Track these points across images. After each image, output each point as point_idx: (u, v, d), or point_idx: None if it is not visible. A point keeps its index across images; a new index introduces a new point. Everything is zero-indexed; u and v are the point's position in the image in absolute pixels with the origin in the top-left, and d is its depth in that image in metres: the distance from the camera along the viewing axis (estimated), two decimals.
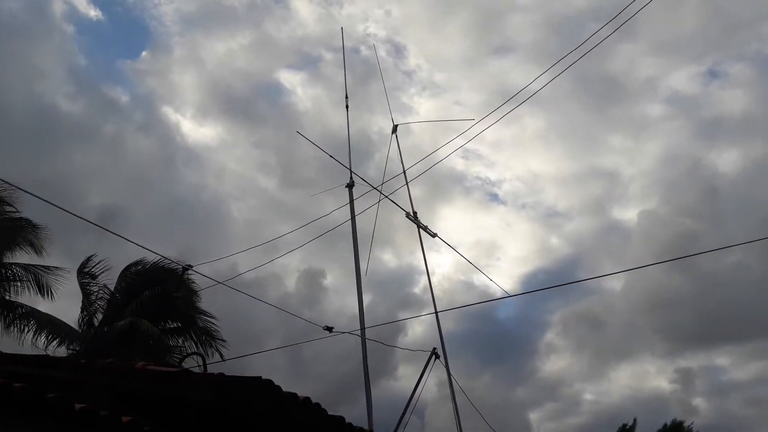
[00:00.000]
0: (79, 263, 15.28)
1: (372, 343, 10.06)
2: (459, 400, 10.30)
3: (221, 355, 15.08)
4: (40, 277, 14.58)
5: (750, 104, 38.62)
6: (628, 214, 42.24)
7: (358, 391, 10.01)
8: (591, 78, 36.35)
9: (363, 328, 10.03)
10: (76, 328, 15.00)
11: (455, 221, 38.72)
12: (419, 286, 31.64)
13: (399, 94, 37.76)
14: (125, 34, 48.38)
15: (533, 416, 35.43)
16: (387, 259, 29.62)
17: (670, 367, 39.18)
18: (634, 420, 27.42)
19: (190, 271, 13.18)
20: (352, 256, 10.87)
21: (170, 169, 35.99)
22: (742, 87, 40.60)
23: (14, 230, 14.55)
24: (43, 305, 14.78)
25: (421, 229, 11.40)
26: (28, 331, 14.10)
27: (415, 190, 13.03)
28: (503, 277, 38.09)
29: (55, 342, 14.43)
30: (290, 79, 46.35)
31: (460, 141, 10.82)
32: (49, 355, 13.10)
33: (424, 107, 38.14)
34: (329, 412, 5.53)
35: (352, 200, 11.23)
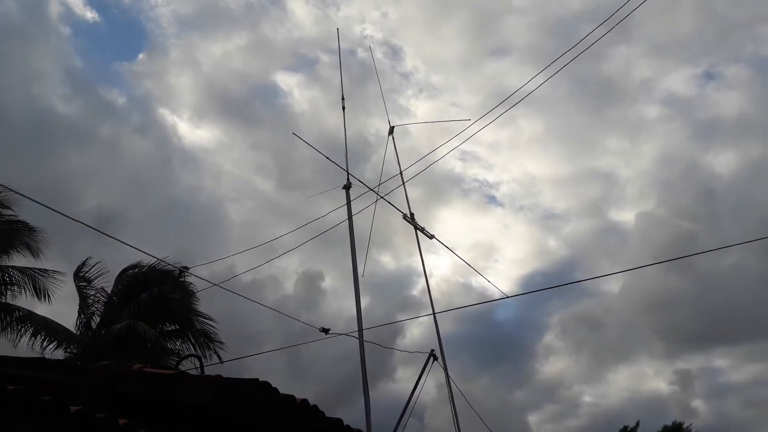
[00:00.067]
0: (76, 266, 15.25)
1: (371, 346, 10.05)
2: (458, 402, 10.30)
3: (219, 358, 15.04)
4: (37, 280, 14.53)
5: (746, 106, 38.86)
6: (626, 215, 42.45)
7: (357, 394, 9.99)
8: (587, 80, 36.54)
9: (361, 330, 10.01)
10: (74, 331, 14.95)
11: (453, 223, 38.88)
12: (418, 289, 31.74)
13: (396, 96, 37.82)
14: (122, 35, 48.52)
15: (532, 418, 35.52)
16: (385, 261, 29.68)
17: (668, 368, 39.34)
18: (637, 423, 27.42)
19: (186, 273, 13.16)
20: (349, 258, 10.88)
21: (167, 171, 36.06)
22: (738, 89, 40.83)
23: (11, 233, 14.51)
24: (41, 308, 14.76)
25: (418, 231, 11.39)
26: (24, 332, 14.03)
27: (413, 192, 13.05)
28: (501, 279, 38.25)
29: (52, 345, 14.39)
30: (287, 80, 46.47)
31: (456, 142, 10.83)
32: (45, 357, 13.09)
33: (421, 109, 38.27)
34: (327, 415, 5.51)
35: (349, 202, 11.22)
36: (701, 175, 37.51)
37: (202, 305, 15.53)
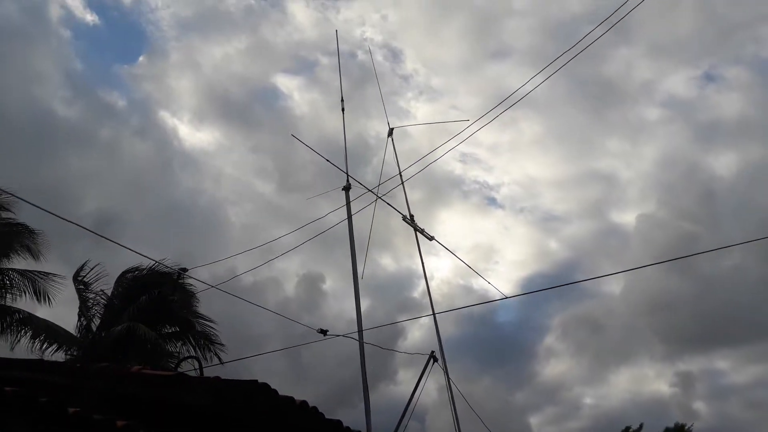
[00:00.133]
0: (76, 269, 15.24)
1: (371, 347, 10.04)
2: (458, 404, 10.28)
3: (219, 359, 15.02)
4: (37, 282, 14.52)
5: (746, 107, 38.88)
6: (626, 217, 42.50)
7: (357, 395, 9.98)
8: (588, 82, 36.58)
9: (360, 331, 9.99)
10: (75, 333, 14.94)
11: (453, 225, 38.87)
12: (418, 291, 31.64)
13: (396, 99, 37.78)
14: (122, 38, 48.58)
15: (533, 420, 35.46)
16: (386, 263, 29.64)
17: (669, 370, 39.33)
18: (641, 425, 27.36)
19: (186, 275, 13.14)
20: (350, 260, 10.87)
21: (167, 173, 36.04)
22: (739, 90, 40.84)
23: (11, 236, 14.50)
24: (41, 311, 14.74)
25: (418, 233, 11.38)
26: (24, 333, 14.01)
27: (413, 194, 13.04)
28: (502, 281, 38.31)
29: (52, 347, 14.38)
30: (287, 83, 46.57)
31: (455, 143, 10.82)
32: (44, 359, 13.07)
33: (421, 111, 38.31)
34: (327, 416, 5.49)
35: (349, 203, 11.22)
36: (702, 176, 37.57)
37: (203, 307, 15.55)
